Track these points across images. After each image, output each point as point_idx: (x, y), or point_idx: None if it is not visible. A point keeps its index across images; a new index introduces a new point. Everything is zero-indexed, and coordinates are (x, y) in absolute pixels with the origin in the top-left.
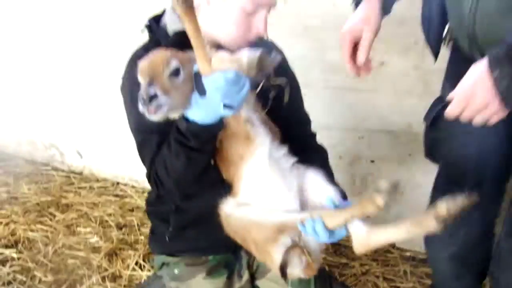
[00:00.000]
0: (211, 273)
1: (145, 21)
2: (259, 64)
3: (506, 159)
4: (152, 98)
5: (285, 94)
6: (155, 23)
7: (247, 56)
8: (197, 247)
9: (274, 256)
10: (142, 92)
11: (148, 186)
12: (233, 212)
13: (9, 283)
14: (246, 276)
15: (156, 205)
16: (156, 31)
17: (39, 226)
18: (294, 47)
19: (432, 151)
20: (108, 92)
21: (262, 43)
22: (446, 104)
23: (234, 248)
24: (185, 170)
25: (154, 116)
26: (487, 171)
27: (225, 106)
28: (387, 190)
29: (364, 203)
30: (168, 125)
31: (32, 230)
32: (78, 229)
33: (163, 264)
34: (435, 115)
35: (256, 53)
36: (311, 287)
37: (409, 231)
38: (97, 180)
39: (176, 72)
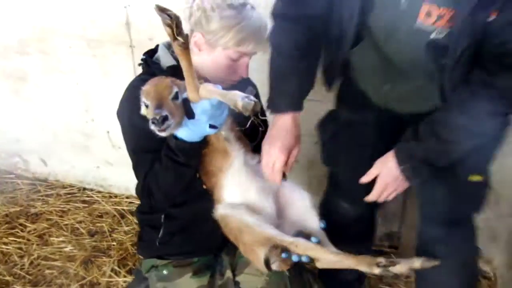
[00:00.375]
0: (196, 273)
1: None
2: (253, 109)
3: None
4: (164, 119)
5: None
6: (149, 58)
7: (242, 100)
8: (184, 251)
9: (259, 255)
10: (154, 115)
11: (114, 191)
12: (230, 212)
13: None
14: (228, 274)
15: (147, 214)
16: (151, 65)
17: (11, 238)
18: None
19: (329, 161)
20: (69, 98)
21: (241, 80)
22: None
23: (215, 251)
24: (174, 182)
25: (164, 133)
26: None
27: (210, 126)
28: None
29: (362, 261)
30: (161, 146)
31: (5, 243)
32: (51, 238)
33: (151, 267)
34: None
35: (251, 101)
36: (285, 273)
37: (349, 264)
38: (63, 187)
39: (176, 96)
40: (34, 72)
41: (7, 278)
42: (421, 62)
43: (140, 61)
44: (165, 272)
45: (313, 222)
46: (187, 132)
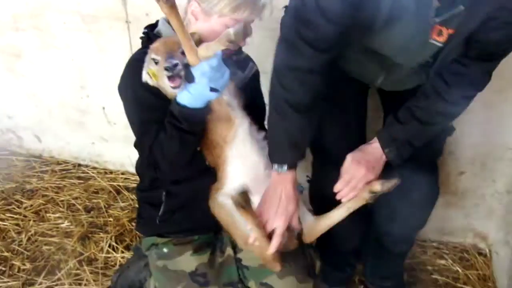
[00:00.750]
0: (197, 250)
1: None
2: (245, 31)
3: None
4: (175, 65)
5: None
6: (151, 31)
7: (233, 29)
8: (184, 228)
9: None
10: (166, 63)
11: (109, 167)
12: (226, 204)
13: None
14: (228, 251)
15: (148, 191)
16: (152, 38)
17: (8, 214)
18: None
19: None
20: (65, 74)
21: (240, 58)
22: None
23: (216, 228)
24: (179, 150)
25: (175, 84)
26: None
27: (211, 89)
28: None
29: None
30: (165, 116)
31: (2, 219)
32: (48, 215)
33: (152, 245)
34: None
35: (239, 25)
36: None
37: (348, 207)
38: (58, 163)
39: (183, 52)
40: (29, 48)
41: (6, 254)
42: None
43: (141, 35)
44: (165, 250)
45: None
46: (189, 98)
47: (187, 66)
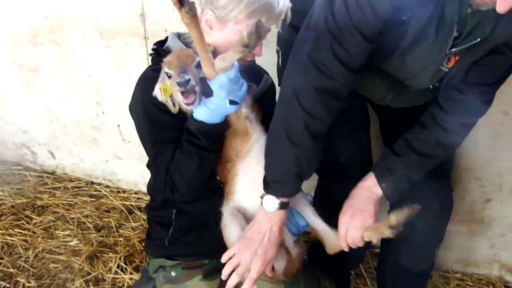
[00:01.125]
0: (206, 275)
1: None
2: (257, 31)
3: None
4: (187, 81)
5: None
6: (160, 47)
7: (246, 32)
8: (194, 251)
9: None
10: (179, 78)
11: (123, 186)
12: (228, 225)
13: None
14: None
15: (158, 210)
16: (163, 54)
17: (17, 230)
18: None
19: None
20: (81, 90)
21: (254, 69)
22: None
23: None
24: (198, 169)
25: (190, 104)
26: None
27: (230, 102)
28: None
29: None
30: (180, 134)
31: (10, 235)
32: (57, 232)
33: (159, 267)
34: None
35: (252, 26)
36: (300, 280)
37: (367, 235)
38: (71, 180)
39: (199, 65)
40: (46, 63)
41: (11, 270)
42: None
43: (151, 51)
44: (173, 273)
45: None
46: (207, 113)
47: (203, 80)
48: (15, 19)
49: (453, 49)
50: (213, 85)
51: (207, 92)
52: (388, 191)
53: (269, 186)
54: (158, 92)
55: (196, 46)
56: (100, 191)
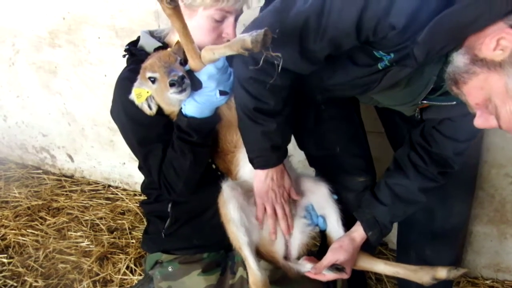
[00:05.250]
0: (205, 270)
1: None
2: (264, 39)
3: None
4: (182, 78)
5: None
6: (133, 47)
7: (251, 36)
8: (191, 244)
9: None
10: (171, 77)
11: (139, 188)
12: (227, 200)
13: None
14: (240, 272)
15: (153, 204)
16: (136, 53)
17: (29, 230)
18: None
19: (320, 145)
20: (97, 91)
21: None
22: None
23: (226, 246)
24: (193, 166)
25: (184, 96)
26: None
27: (220, 93)
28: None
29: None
30: (168, 133)
31: (22, 235)
32: (69, 233)
33: (156, 263)
34: None
35: (259, 32)
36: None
37: (404, 274)
38: (88, 183)
39: (181, 62)
40: (64, 65)
41: (20, 269)
42: None
43: (123, 53)
44: (170, 269)
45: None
46: (196, 107)
47: (190, 73)
48: (33, 22)
49: (425, 101)
50: (202, 76)
51: (196, 85)
52: (373, 238)
53: (253, 162)
54: (133, 96)
55: (181, 38)
56: (116, 194)
